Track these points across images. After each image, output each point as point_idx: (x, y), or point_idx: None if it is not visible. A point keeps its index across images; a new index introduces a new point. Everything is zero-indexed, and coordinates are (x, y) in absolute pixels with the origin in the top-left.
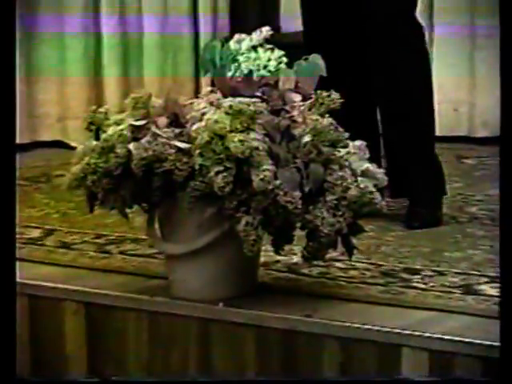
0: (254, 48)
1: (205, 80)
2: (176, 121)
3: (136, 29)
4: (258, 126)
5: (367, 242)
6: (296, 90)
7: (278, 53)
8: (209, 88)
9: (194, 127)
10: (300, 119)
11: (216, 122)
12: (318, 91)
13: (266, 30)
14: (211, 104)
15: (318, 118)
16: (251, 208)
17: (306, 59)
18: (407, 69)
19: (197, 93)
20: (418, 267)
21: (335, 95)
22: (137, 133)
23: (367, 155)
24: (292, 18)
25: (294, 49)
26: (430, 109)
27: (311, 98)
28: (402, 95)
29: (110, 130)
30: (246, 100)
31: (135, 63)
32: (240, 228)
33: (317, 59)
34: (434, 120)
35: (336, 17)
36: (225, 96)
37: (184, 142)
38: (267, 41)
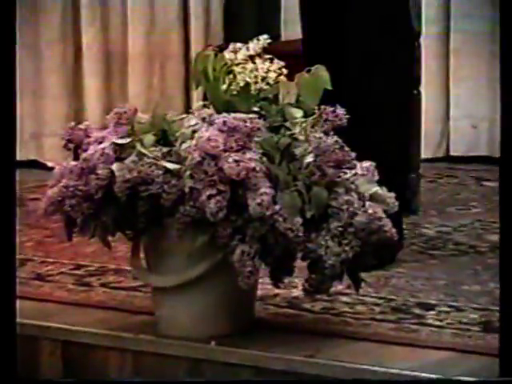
0: (251, 58)
1: (196, 93)
2: (164, 138)
3: (119, 36)
4: (256, 144)
5: (376, 274)
6: (297, 104)
7: (277, 63)
8: (201, 102)
9: (184, 146)
10: (302, 137)
11: (208, 140)
12: (322, 106)
13: (263, 39)
14: (203, 120)
15: (322, 135)
16: (247, 236)
17: (308, 71)
18: (388, 77)
19: (187, 108)
20: (433, 302)
21: (341, 111)
22: (120, 152)
23: (376, 177)
24: (293, 25)
25: (295, 59)
26: (406, 123)
27: (314, 113)
28: (380, 102)
29: (91, 149)
30: (242, 116)
31: (118, 74)
32: (235, 258)
33: (321, 70)
34: (408, 137)
35: (336, 23)
36: (218, 111)
37: (173, 162)
38: (265, 50)
